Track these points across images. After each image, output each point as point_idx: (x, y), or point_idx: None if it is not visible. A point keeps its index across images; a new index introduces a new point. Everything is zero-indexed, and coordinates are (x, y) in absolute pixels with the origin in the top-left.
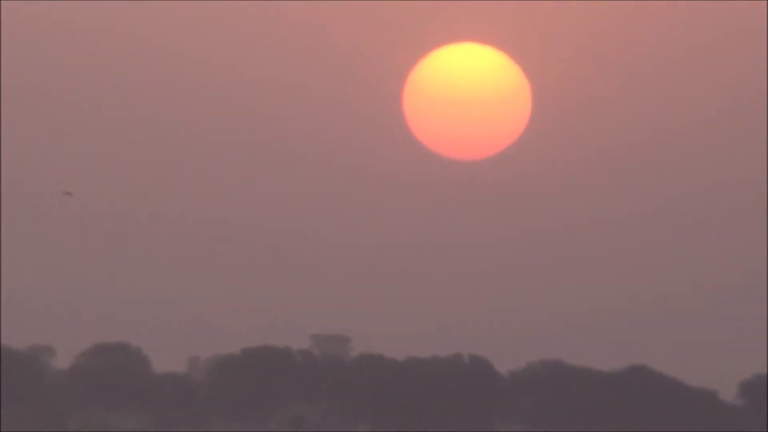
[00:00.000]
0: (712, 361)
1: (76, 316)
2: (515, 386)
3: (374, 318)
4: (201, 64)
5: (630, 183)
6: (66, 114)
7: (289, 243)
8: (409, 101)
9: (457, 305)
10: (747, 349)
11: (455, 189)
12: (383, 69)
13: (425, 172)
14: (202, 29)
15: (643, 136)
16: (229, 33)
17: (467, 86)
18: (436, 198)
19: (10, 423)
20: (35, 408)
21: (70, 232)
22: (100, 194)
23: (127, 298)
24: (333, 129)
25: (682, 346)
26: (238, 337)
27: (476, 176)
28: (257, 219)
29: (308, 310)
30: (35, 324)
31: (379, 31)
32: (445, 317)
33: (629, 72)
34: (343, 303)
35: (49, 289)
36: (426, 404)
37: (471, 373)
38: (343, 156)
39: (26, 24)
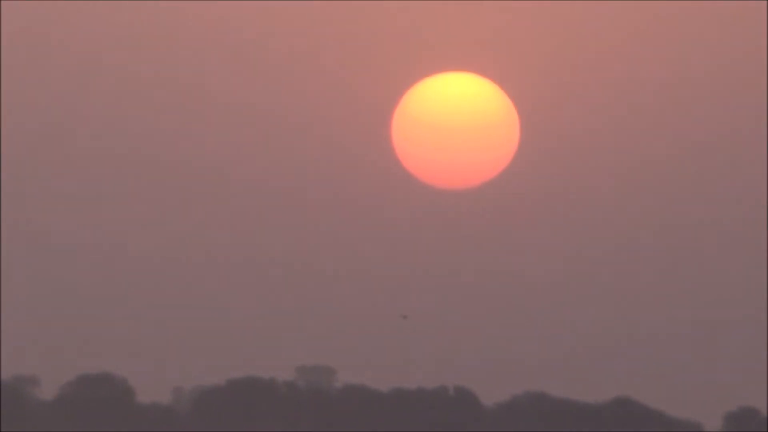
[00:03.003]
0: (697, 393)
1: (60, 347)
2: (500, 418)
3: (359, 349)
4: (197, 82)
5: (622, 209)
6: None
7: (275, 273)
8: (398, 131)
9: (442, 337)
10: (733, 380)
11: (443, 218)
12: (372, 99)
13: (413, 201)
14: (200, 49)
15: (634, 157)
16: (218, 59)
17: (456, 115)
18: (424, 228)
19: None
20: None
21: (55, 263)
22: (84, 219)
23: (112, 329)
24: (321, 158)
25: (667, 378)
26: (222, 368)
27: (464, 205)
28: (243, 250)
29: (293, 341)
30: (19, 354)
31: (369, 61)
32: (430, 349)
33: (616, 95)
34: (329, 334)
35: (34, 319)
36: None
37: (456, 405)
38: (330, 185)
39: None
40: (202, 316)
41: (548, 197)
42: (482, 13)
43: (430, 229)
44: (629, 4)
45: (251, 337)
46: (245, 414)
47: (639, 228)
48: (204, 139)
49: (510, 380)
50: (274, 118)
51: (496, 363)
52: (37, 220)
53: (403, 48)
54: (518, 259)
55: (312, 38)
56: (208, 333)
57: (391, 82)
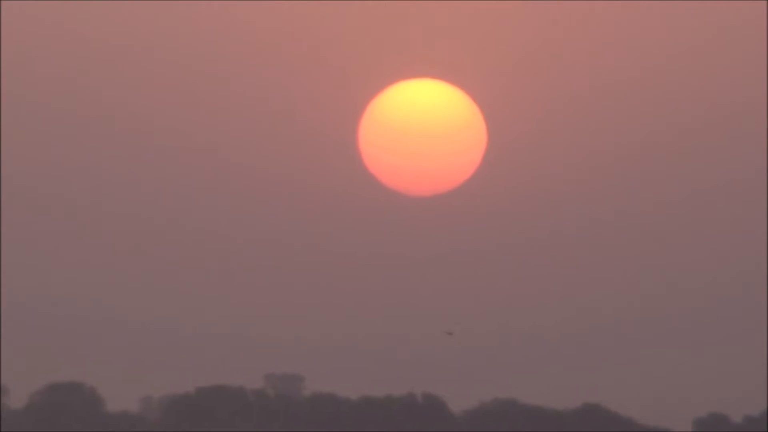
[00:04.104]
0: (666, 399)
1: (29, 356)
2: (468, 425)
3: (328, 357)
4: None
5: (590, 213)
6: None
7: (242, 280)
8: (365, 137)
9: (410, 344)
10: (702, 386)
11: (410, 224)
12: (338, 105)
13: (380, 207)
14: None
15: (603, 160)
16: (189, 60)
17: (423, 121)
18: (390, 234)
19: None
20: None
21: (23, 273)
22: (51, 228)
23: (81, 338)
24: (287, 163)
25: (636, 385)
26: (191, 376)
27: (431, 211)
28: (209, 255)
29: (262, 349)
30: None
31: (336, 66)
32: (399, 356)
33: (584, 98)
34: (297, 342)
35: (3, 329)
36: None
37: (424, 412)
38: (297, 190)
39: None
40: (170, 325)
41: (515, 203)
42: (448, 19)
43: (397, 236)
44: (598, 5)
45: (220, 346)
46: (214, 422)
47: (609, 232)
48: (179, 142)
49: (478, 387)
50: (239, 121)
51: (465, 370)
52: (7, 232)
53: (370, 54)
54: (485, 265)
55: (280, 43)
56: (177, 341)
57: (359, 88)
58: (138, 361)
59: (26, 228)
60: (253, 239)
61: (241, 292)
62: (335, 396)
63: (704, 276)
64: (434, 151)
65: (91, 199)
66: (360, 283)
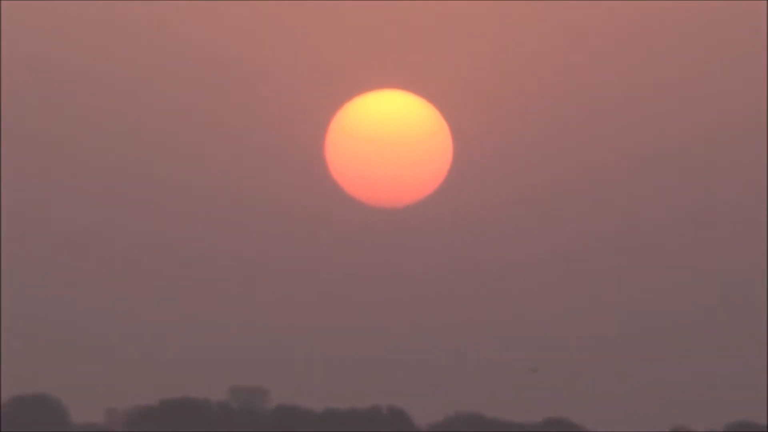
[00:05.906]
0: (632, 413)
1: None
2: None
3: (292, 369)
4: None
5: (559, 221)
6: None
7: (206, 292)
8: (331, 149)
9: (374, 357)
10: (668, 400)
11: (378, 237)
12: (304, 117)
13: (346, 218)
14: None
15: (572, 166)
16: (159, 71)
17: (388, 133)
18: (356, 245)
19: None
20: None
21: None
22: (22, 238)
23: (45, 349)
24: (251, 170)
25: (600, 399)
26: (155, 388)
27: (396, 222)
28: (173, 268)
29: (226, 361)
30: None
31: (301, 78)
32: (363, 368)
33: (548, 106)
34: (262, 354)
35: None
36: None
37: (389, 425)
38: (262, 198)
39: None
40: (135, 337)
41: (481, 216)
42: (415, 31)
43: (364, 247)
44: (569, 18)
45: (185, 358)
46: None
47: (581, 243)
48: (147, 148)
49: (443, 400)
50: (202, 130)
51: (430, 383)
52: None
53: (337, 65)
54: (451, 277)
55: (246, 52)
56: (141, 353)
57: (324, 99)
58: (103, 372)
59: None
60: (215, 251)
61: (205, 304)
62: (300, 408)
63: (673, 295)
64: (400, 162)
65: (58, 211)
66: (325, 294)
